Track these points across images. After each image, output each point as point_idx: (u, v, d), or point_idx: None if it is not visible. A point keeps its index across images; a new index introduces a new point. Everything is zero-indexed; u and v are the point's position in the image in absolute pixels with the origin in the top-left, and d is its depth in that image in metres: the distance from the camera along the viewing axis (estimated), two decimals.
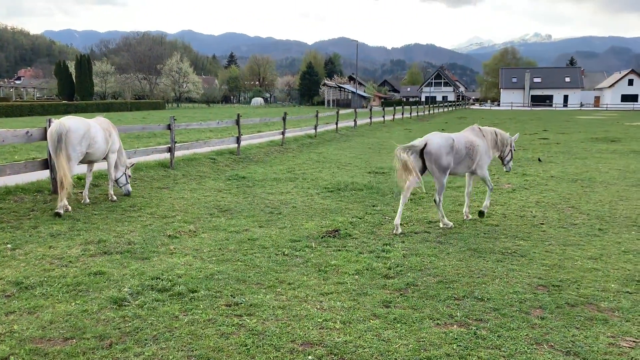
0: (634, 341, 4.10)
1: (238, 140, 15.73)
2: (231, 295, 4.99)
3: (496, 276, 5.64)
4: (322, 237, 7.10)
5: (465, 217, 8.45)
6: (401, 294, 5.09)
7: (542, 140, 23.22)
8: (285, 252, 6.40)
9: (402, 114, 42.52)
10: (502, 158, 8.90)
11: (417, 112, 48.63)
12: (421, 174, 7.68)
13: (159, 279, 5.35)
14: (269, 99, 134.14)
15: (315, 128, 23.08)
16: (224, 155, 15.07)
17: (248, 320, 4.45)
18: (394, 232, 7.38)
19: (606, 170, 13.99)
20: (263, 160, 15.69)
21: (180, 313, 4.58)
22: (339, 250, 6.54)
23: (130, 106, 69.51)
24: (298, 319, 4.50)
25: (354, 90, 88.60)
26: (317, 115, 23.81)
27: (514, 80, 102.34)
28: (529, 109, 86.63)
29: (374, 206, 9.29)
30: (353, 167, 14.48)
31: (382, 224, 7.97)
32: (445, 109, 68.78)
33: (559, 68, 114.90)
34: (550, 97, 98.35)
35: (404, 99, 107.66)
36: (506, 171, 9.36)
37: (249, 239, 6.95)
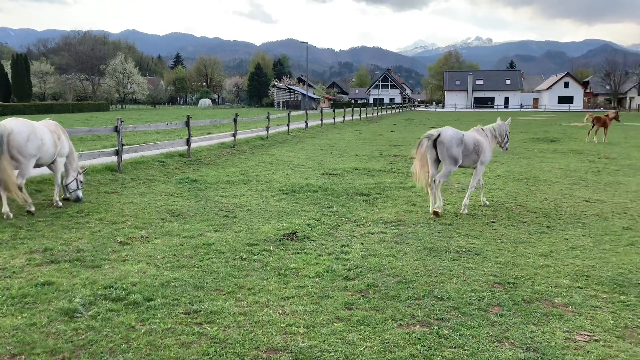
0: (588, 335, 4.25)
1: (188, 143, 15.38)
2: (189, 303, 4.84)
3: (453, 275, 5.73)
4: (279, 240, 7.02)
5: (483, 204, 9.57)
6: (362, 296, 5.09)
7: None
8: (243, 257, 6.28)
9: (352, 115, 42.91)
10: (500, 143, 9.93)
11: (367, 114, 49.20)
12: (436, 165, 8.75)
13: (112, 287, 5.13)
14: (217, 100, 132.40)
15: (267, 130, 22.91)
16: (174, 158, 14.70)
17: (209, 328, 4.32)
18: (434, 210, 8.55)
19: (549, 169, 14.59)
20: (215, 162, 15.41)
21: (136, 323, 4.39)
22: (298, 253, 6.49)
23: (72, 108, 66.93)
24: (260, 325, 4.41)
25: (304, 92, 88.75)
26: (268, 117, 23.65)
27: (458, 82, 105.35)
28: (472, 110, 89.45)
29: (329, 207, 9.28)
30: (306, 168, 14.45)
31: (339, 226, 7.97)
32: (393, 111, 69.97)
33: (499, 71, 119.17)
34: (492, 99, 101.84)
35: (353, 101, 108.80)
36: (504, 151, 10.27)
37: (204, 244, 6.78)
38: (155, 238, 7.10)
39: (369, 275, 5.69)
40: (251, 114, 54.67)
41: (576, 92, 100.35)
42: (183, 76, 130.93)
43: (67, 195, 9.36)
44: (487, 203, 9.68)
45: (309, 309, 4.73)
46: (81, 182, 9.46)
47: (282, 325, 4.40)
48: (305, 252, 6.50)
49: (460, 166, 8.94)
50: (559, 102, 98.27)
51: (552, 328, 4.39)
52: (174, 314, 4.59)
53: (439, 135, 8.58)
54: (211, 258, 6.21)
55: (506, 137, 9.96)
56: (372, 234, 7.51)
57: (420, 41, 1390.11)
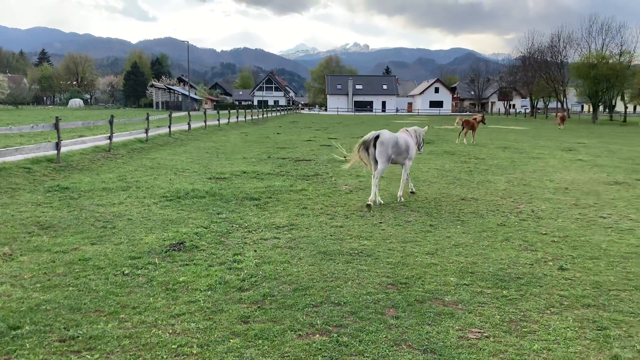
0: (479, 332, 4.43)
1: (58, 147, 14.04)
2: (64, 328, 4.30)
3: (348, 278, 5.72)
4: (165, 252, 6.56)
5: (399, 200, 10.49)
6: (259, 307, 4.88)
7: None
8: (125, 272, 5.76)
9: (237, 117, 42.30)
10: (418, 145, 11.25)
11: (252, 116, 48.81)
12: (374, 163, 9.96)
13: None
14: (89, 101, 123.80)
15: (147, 132, 21.71)
16: (42, 164, 13.33)
17: (89, 357, 3.85)
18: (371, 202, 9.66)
19: (426, 169, 15.39)
20: (89, 168, 14.23)
21: (1, 357, 3.79)
22: (187, 264, 6.10)
23: None
24: (149, 347, 4.02)
25: (186, 92, 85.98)
26: (147, 118, 22.42)
27: (339, 86, 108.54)
28: (353, 113, 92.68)
29: (219, 214, 8.91)
30: (191, 173, 13.85)
31: (230, 233, 7.66)
32: (278, 113, 70.26)
33: (377, 76, 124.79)
34: (370, 103, 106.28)
35: (237, 103, 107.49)
36: (419, 153, 11.72)
37: (80, 259, 6.13)
38: (21, 255, 6.29)
39: (264, 284, 5.49)
40: (128, 115, 51.74)
41: (445, 97, 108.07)
42: (50, 74, 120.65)
43: None
44: (402, 199, 10.54)
45: (202, 326, 4.42)
46: None
47: (173, 346, 4.05)
48: (194, 264, 6.12)
49: (392, 162, 10.27)
50: (430, 106, 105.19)
51: (446, 327, 4.51)
52: (47, 343, 4.04)
53: (378, 136, 9.79)
54: (88, 275, 5.62)
55: (422, 141, 11.43)
56: (265, 240, 7.31)
57: (302, 45, 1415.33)
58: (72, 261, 6.07)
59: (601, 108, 77.27)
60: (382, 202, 10.21)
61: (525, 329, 4.50)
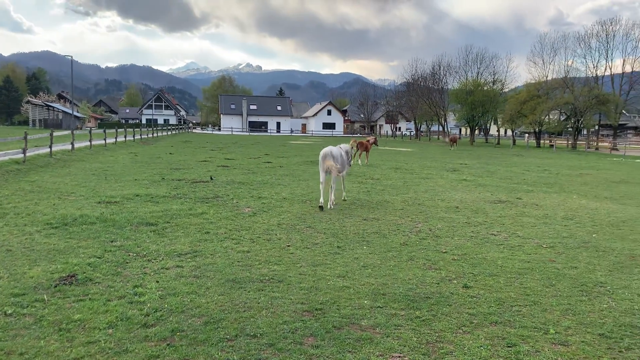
0: (399, 356, 4.41)
1: None
2: None
3: (262, 307, 5.49)
4: (55, 286, 5.88)
5: (331, 205, 12.34)
6: (168, 344, 4.49)
7: (267, 164, 24.69)
8: (8, 312, 5.05)
9: (125, 136, 40.15)
10: (348, 160, 13.34)
11: (141, 135, 46.63)
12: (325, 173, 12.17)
13: None
14: None
15: (24, 152, 19.81)
16: None
17: None
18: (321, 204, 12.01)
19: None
20: None
21: None
22: (81, 300, 5.50)
23: None
24: None
25: (68, 110, 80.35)
26: (25, 137, 20.49)
27: (233, 106, 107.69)
28: (248, 133, 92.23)
29: (112, 242, 8.22)
30: (78, 196, 12.77)
31: (127, 262, 7.07)
32: (169, 132, 67.90)
33: (271, 97, 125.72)
34: (265, 124, 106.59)
35: (124, 121, 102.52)
36: (348, 167, 13.60)
37: None
38: None
39: (171, 318, 5.08)
40: (1, 133, 47.11)
41: (337, 119, 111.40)
42: None
43: None
44: (341, 201, 13.04)
45: None
46: None
47: None
48: (90, 299, 5.54)
49: (329, 173, 12.21)
50: (323, 128, 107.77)
51: (367, 354, 4.44)
52: None
53: (330, 152, 12.13)
54: None
55: (350, 157, 13.64)
56: (167, 269, 6.84)
57: (193, 63, 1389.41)
58: None
59: (477, 131, 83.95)
60: (346, 199, 13.39)
61: (442, 350, 4.56)
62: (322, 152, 12.24)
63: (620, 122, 71.51)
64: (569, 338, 4.92)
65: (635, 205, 14.66)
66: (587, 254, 8.37)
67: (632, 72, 63.62)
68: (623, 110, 69.15)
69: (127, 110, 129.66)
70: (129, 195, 13.00)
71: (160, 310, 5.27)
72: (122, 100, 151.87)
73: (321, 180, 12.25)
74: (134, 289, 5.91)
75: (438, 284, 6.53)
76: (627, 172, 27.74)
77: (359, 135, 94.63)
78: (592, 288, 6.53)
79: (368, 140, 27.57)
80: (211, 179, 17.17)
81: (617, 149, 58.62)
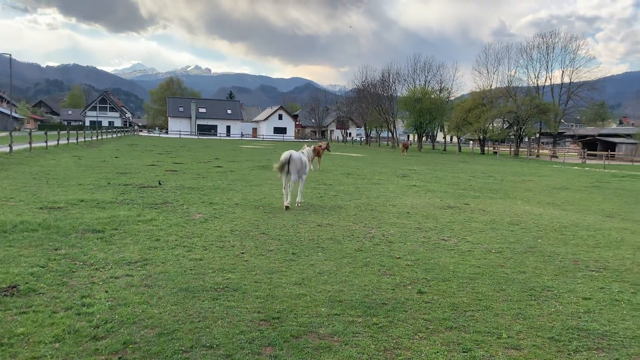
0: None
1: None
2: None
3: (217, 317, 5.36)
4: None
5: (286, 207, 12.78)
6: (120, 357, 4.31)
7: (218, 169, 24.31)
8: None
9: (68, 139, 38.60)
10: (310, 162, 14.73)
11: (85, 138, 44.98)
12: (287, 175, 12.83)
13: None
14: None
15: None
16: None
17: None
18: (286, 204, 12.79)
19: (279, 195, 15.43)
20: None
21: None
22: (24, 312, 5.19)
23: None
24: None
25: (6, 110, 76.59)
26: None
27: (181, 109, 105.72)
28: (197, 137, 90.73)
29: (57, 250, 7.83)
30: (18, 202, 12.13)
31: (73, 272, 6.75)
32: (114, 135, 65.86)
33: (222, 100, 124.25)
34: (215, 127, 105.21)
35: (66, 123, 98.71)
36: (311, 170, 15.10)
37: None
38: None
39: (122, 330, 4.88)
40: None
41: (289, 123, 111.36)
42: None
43: None
44: (300, 204, 13.58)
45: None
46: None
47: None
48: (34, 311, 5.24)
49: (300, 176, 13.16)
50: (275, 132, 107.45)
51: None
52: None
53: (290, 156, 12.70)
54: None
55: (311, 161, 14.78)
56: (117, 278, 6.57)
57: (140, 64, 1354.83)
58: None
59: (424, 138, 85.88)
60: (302, 201, 13.90)
61: (400, 357, 4.59)
62: (282, 156, 12.81)
63: (559, 131, 75.06)
64: (520, 342, 5.06)
65: (576, 211, 15.37)
66: (534, 259, 8.68)
67: (570, 83, 66.98)
68: (562, 120, 72.56)
69: (70, 112, 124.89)
70: (73, 201, 12.47)
71: (111, 322, 5.05)
72: (64, 101, 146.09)
73: (283, 184, 13.00)
74: (82, 300, 5.64)
75: (393, 290, 6.59)
76: (566, 179, 29.10)
77: (310, 140, 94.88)
78: (540, 292, 6.76)
79: (320, 146, 27.67)
80: (159, 184, 16.72)
81: (556, 157, 61.46)
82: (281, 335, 4.92)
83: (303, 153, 13.89)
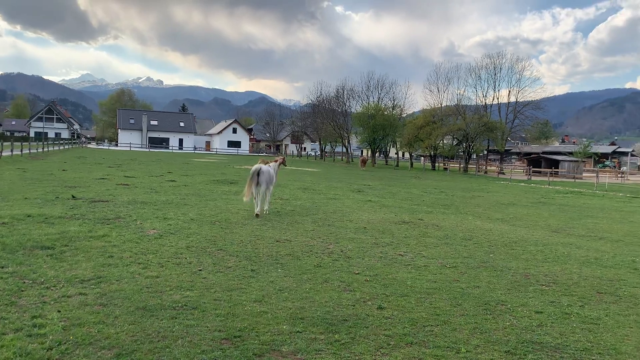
0: None
1: None
2: None
3: (177, 336, 5.24)
4: None
5: (257, 215, 13.95)
6: None
7: (171, 183, 23.84)
8: None
9: (12, 150, 37.01)
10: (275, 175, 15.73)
11: (29, 150, 43.23)
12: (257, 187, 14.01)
13: None
14: None
15: None
16: None
17: None
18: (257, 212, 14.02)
19: (236, 211, 15.29)
20: None
21: None
22: None
23: None
24: None
25: None
26: None
27: (132, 121, 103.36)
28: (148, 150, 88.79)
29: (3, 268, 7.47)
30: None
31: (22, 291, 6.45)
32: (61, 147, 63.62)
33: (174, 113, 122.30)
34: (167, 140, 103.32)
35: (9, 134, 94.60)
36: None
37: None
38: None
39: (77, 351, 4.70)
40: None
41: (243, 137, 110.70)
42: None
43: None
44: (267, 212, 14.83)
45: None
46: None
47: None
48: None
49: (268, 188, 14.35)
50: (229, 146, 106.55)
51: None
52: None
53: (260, 168, 13.95)
54: None
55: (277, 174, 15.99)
56: (69, 297, 6.33)
57: (89, 75, 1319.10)
58: None
59: (377, 153, 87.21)
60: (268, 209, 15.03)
61: None
62: (253, 168, 14.13)
63: (505, 148, 77.82)
64: (479, 356, 5.20)
65: (524, 226, 15.96)
66: (487, 274, 8.94)
67: (516, 102, 69.76)
68: (508, 138, 75.30)
69: (14, 122, 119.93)
70: (19, 216, 11.94)
71: (65, 343, 4.85)
72: (7, 111, 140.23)
73: (254, 194, 14.09)
74: (33, 320, 5.40)
75: (354, 305, 6.64)
76: (514, 194, 30.17)
77: (264, 154, 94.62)
78: (494, 306, 6.97)
79: (276, 160, 27.61)
80: (73, 197, 16.00)
81: (503, 173, 63.71)
82: (244, 354, 4.87)
83: (270, 166, 15.20)
